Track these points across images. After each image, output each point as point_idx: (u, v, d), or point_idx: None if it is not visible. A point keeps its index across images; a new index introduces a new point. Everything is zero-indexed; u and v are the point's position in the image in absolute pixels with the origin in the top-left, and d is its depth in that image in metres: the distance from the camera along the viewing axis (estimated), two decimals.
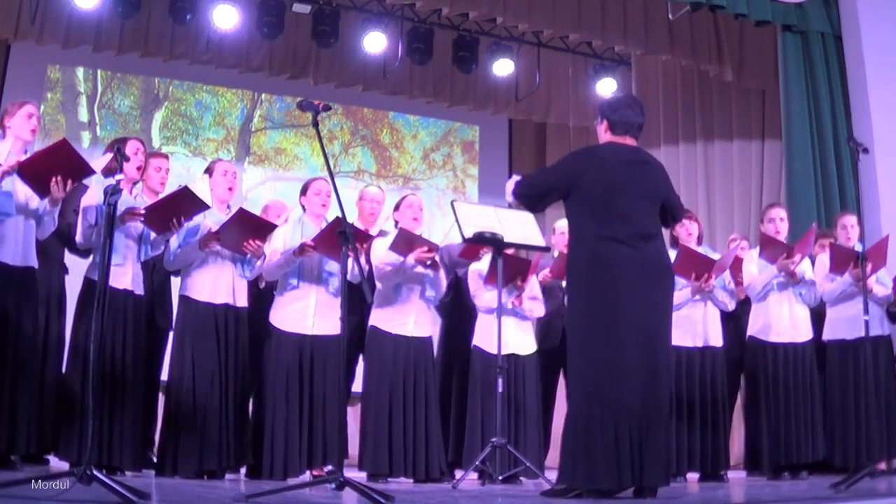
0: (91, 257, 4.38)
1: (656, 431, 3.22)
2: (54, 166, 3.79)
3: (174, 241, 4.46)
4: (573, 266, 3.45)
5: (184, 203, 4.21)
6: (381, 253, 4.81)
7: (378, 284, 4.85)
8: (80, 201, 4.22)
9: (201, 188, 4.55)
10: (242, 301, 4.57)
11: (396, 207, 5.06)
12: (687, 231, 5.23)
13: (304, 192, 4.83)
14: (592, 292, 3.32)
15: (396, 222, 4.97)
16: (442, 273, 4.99)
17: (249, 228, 4.44)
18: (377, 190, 5.43)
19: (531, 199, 3.63)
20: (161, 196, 4.39)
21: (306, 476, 4.48)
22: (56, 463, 4.19)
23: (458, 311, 5.50)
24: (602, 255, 3.32)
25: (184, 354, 4.37)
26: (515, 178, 3.70)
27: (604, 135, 3.59)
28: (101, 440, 3.97)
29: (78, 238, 4.23)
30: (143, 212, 4.14)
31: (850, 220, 5.38)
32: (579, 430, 3.23)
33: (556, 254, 5.50)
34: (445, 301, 5.47)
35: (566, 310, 3.54)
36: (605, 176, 3.40)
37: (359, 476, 4.27)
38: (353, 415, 5.75)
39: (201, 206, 4.27)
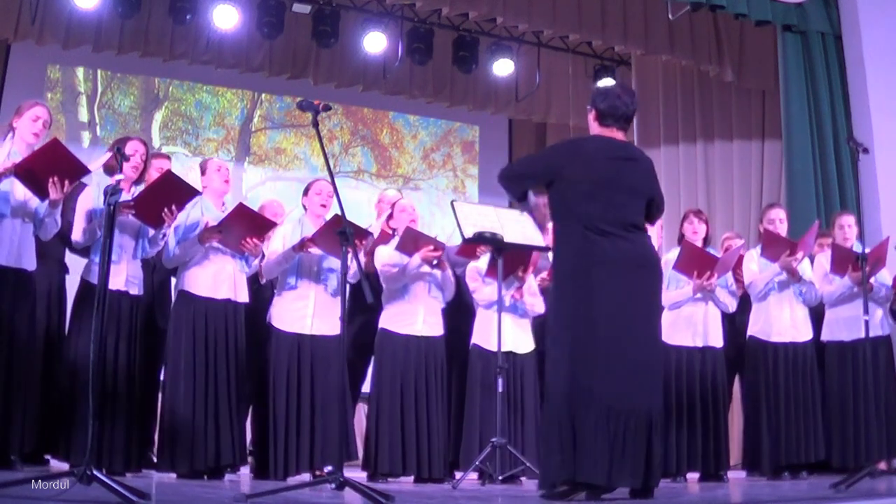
0: (89, 257, 4.36)
1: (638, 430, 3.12)
2: (50, 167, 3.78)
3: (171, 239, 4.43)
4: (557, 264, 3.38)
5: (172, 190, 4.15)
6: (385, 256, 4.82)
7: (384, 286, 4.87)
8: (77, 200, 4.19)
9: (193, 179, 4.52)
10: (244, 296, 4.56)
11: (390, 216, 5.07)
12: (693, 230, 5.21)
13: (305, 192, 4.86)
14: (575, 287, 3.25)
15: (393, 230, 4.98)
16: (449, 272, 5.01)
17: (248, 225, 4.43)
18: (396, 193, 5.43)
19: (511, 181, 3.54)
20: (146, 185, 4.34)
21: (306, 476, 4.48)
22: (56, 463, 4.19)
23: (457, 309, 5.49)
24: (585, 250, 3.25)
25: (181, 351, 4.35)
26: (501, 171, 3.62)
27: (592, 124, 3.50)
28: (96, 443, 3.96)
29: (75, 237, 4.21)
30: (132, 203, 4.08)
31: (848, 220, 5.37)
32: (555, 427, 3.15)
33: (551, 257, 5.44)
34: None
35: (550, 307, 3.47)
36: (589, 169, 3.32)
37: (360, 476, 4.27)
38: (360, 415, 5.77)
39: (191, 192, 4.23)
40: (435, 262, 4.81)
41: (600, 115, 3.45)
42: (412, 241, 4.75)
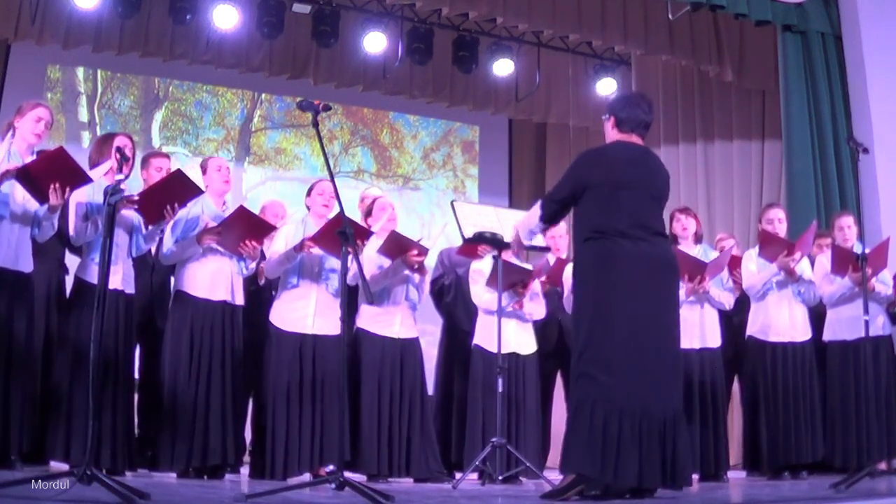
0: (83, 256, 4.33)
1: (650, 432, 3.17)
2: (52, 173, 3.78)
3: (168, 237, 4.42)
4: (579, 262, 3.45)
5: (177, 188, 4.15)
6: (364, 257, 4.81)
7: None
8: (70, 196, 4.17)
9: (196, 176, 4.52)
10: (240, 299, 4.56)
11: (368, 213, 5.06)
12: (682, 226, 5.23)
13: (308, 193, 4.87)
14: (598, 289, 3.31)
15: (369, 228, 4.97)
16: (427, 278, 5.00)
17: (248, 228, 4.43)
18: (378, 191, 5.42)
19: (558, 215, 3.61)
20: (152, 182, 4.34)
21: (306, 476, 4.48)
22: (56, 463, 4.18)
23: (459, 310, 5.50)
24: (607, 251, 3.31)
25: (179, 352, 4.35)
26: (536, 210, 3.61)
27: (611, 131, 3.57)
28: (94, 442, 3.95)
29: (71, 233, 4.19)
30: (136, 198, 4.07)
31: (847, 220, 5.37)
32: (581, 424, 3.21)
33: (552, 260, 5.39)
34: (448, 301, 5.46)
35: (572, 305, 3.52)
36: (612, 173, 3.40)
37: (358, 476, 4.27)
38: None
39: (195, 191, 4.23)
40: (416, 266, 4.80)
41: (619, 122, 3.52)
42: (396, 244, 4.74)
